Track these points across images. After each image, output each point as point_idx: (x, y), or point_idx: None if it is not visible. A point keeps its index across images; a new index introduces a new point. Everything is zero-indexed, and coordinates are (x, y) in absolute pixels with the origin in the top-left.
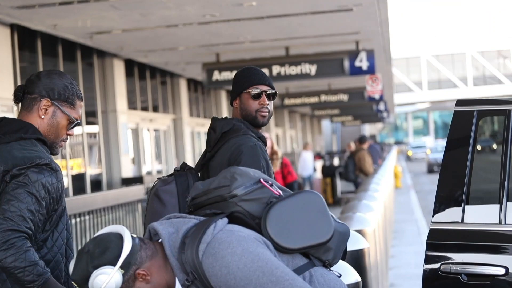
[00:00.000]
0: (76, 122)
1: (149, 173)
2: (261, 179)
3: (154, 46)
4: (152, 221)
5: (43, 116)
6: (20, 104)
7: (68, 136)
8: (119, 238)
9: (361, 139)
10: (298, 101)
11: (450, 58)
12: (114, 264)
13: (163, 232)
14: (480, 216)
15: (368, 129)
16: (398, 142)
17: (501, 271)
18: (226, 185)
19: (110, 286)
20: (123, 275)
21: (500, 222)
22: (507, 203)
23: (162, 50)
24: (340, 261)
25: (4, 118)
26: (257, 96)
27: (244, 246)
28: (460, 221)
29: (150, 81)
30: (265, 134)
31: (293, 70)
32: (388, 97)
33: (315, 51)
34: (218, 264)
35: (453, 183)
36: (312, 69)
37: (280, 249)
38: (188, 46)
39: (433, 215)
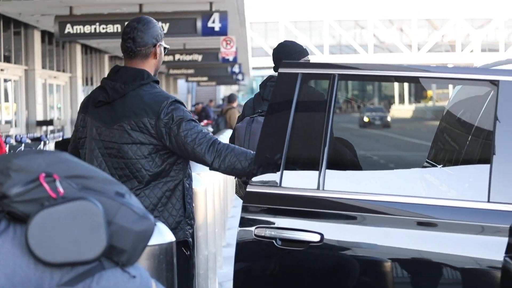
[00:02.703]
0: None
1: None
2: (42, 175)
3: None
4: None
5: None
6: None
7: None
8: None
9: (230, 98)
10: None
11: (308, 25)
12: None
13: None
14: (298, 181)
15: (223, 90)
16: None
17: (317, 237)
18: None
19: None
20: None
21: (318, 188)
22: (326, 169)
23: (16, 0)
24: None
25: (120, 67)
26: None
27: None
28: (277, 185)
29: (3, 31)
30: None
31: None
32: (243, 60)
33: (169, 9)
34: None
35: (272, 146)
36: (164, 27)
37: (40, 261)
38: None
39: (251, 177)
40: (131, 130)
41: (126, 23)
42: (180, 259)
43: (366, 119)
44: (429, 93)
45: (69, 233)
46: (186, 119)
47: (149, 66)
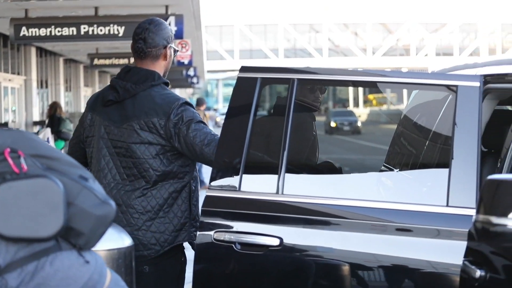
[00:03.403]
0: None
1: None
2: (7, 150)
3: None
4: None
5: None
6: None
7: None
8: None
9: (198, 102)
10: (108, 61)
11: (263, 29)
12: None
13: None
14: (258, 185)
15: (178, 93)
16: (208, 108)
17: (276, 241)
18: None
19: None
20: None
21: (277, 192)
22: (285, 173)
23: None
24: (114, 228)
25: (131, 67)
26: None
27: None
28: (237, 189)
29: None
30: None
31: (101, 30)
32: (198, 63)
33: (124, 13)
34: None
35: (232, 150)
36: (120, 30)
37: None
38: None
39: (210, 182)
40: (140, 129)
41: (81, 26)
42: (176, 264)
43: (333, 124)
44: (370, 97)
45: (27, 209)
46: (196, 120)
47: (159, 67)
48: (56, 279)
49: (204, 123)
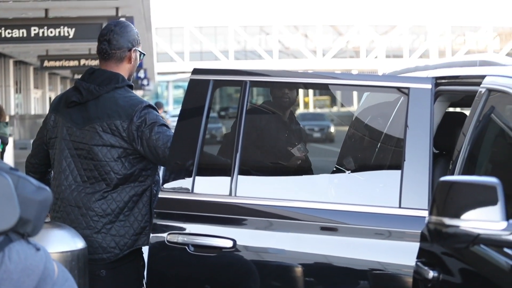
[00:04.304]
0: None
1: None
2: None
3: None
4: None
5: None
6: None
7: None
8: None
9: (157, 105)
10: (58, 63)
11: (213, 31)
12: None
13: None
14: (211, 187)
15: None
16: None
17: (229, 243)
18: None
19: None
20: None
21: (230, 194)
22: (238, 175)
23: None
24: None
25: (95, 69)
26: None
27: None
28: (190, 191)
29: None
30: None
31: (52, 32)
32: (149, 65)
33: (74, 14)
34: None
35: (184, 152)
36: (70, 32)
37: None
38: None
39: (163, 184)
40: (103, 132)
41: (32, 28)
42: (134, 269)
43: None
44: (306, 99)
45: None
46: (159, 123)
47: (124, 69)
48: (17, 271)
49: (167, 126)
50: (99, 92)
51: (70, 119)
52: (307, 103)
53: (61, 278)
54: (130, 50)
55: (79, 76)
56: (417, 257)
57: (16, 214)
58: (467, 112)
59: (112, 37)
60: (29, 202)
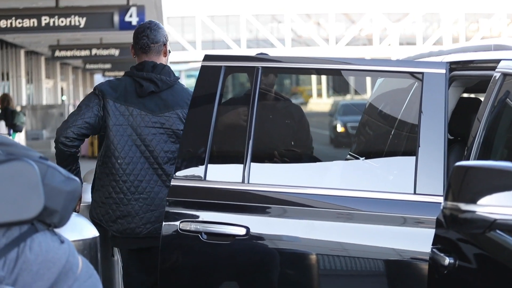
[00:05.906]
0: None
1: None
2: None
3: None
4: None
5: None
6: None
7: None
8: None
9: None
10: (69, 53)
11: (225, 20)
12: None
13: None
14: (223, 174)
15: None
16: None
17: (242, 231)
18: None
19: None
20: None
21: (243, 181)
22: (251, 162)
23: None
24: (77, 217)
25: (154, 62)
26: None
27: None
28: (202, 179)
29: None
30: None
31: (62, 21)
32: None
33: (85, 4)
34: None
35: (196, 140)
36: (81, 21)
37: None
38: None
39: (175, 172)
40: (183, 118)
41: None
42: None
43: (340, 129)
44: (300, 89)
45: (7, 194)
46: None
47: (162, 62)
48: (37, 263)
49: None
50: (172, 83)
51: (143, 107)
52: (301, 93)
53: (85, 274)
54: (165, 44)
55: (91, 66)
56: (433, 244)
57: (41, 203)
58: (482, 98)
59: (150, 33)
60: (57, 192)
